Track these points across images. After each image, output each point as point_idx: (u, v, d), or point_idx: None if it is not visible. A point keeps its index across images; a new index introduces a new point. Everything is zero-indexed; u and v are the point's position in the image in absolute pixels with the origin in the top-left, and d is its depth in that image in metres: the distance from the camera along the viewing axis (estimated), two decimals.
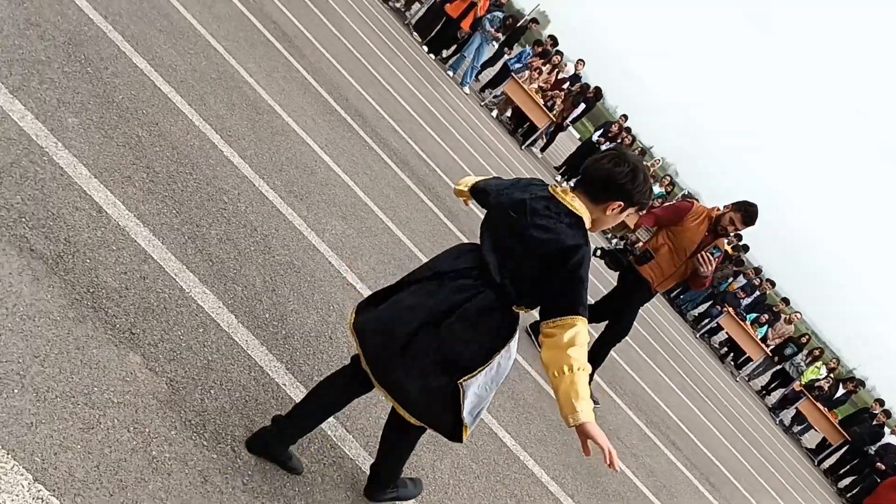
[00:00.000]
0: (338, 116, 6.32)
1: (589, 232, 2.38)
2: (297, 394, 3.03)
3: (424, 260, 4.71)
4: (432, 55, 14.21)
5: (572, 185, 2.59)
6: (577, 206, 2.34)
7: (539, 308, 2.33)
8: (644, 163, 2.80)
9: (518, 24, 14.83)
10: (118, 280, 2.72)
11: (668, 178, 17.36)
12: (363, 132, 6.55)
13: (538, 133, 15.17)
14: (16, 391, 2.05)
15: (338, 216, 4.72)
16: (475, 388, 2.37)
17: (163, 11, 4.95)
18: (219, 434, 2.55)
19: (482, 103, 15.53)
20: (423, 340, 2.32)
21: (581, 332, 2.20)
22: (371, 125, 6.94)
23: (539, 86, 14.70)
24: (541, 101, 14.35)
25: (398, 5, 15.40)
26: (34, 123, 2.98)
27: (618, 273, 5.74)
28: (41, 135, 2.97)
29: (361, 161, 5.93)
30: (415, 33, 14.37)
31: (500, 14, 13.97)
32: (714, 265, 5.31)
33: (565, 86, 15.41)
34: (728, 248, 15.17)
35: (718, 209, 5.53)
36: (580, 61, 16.19)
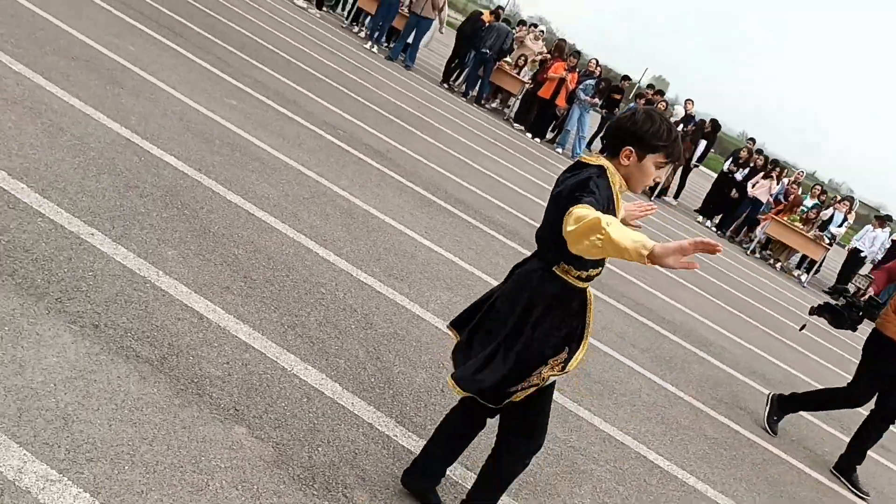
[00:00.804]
0: (437, 207, 6.62)
1: (627, 187, 2.41)
2: (412, 443, 3.13)
3: None
4: (538, 139, 14.55)
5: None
6: (597, 160, 2.40)
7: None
8: (664, 114, 2.75)
9: (612, 85, 14.96)
10: (221, 369, 2.99)
11: (819, 187, 16.40)
12: (465, 215, 6.79)
13: (663, 181, 14.93)
14: (126, 467, 2.30)
15: (442, 288, 4.89)
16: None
17: (254, 156, 5.51)
18: (329, 484, 2.68)
19: None
20: None
21: (580, 208, 2.13)
22: (474, 208, 7.18)
23: None
24: None
25: (495, 105, 16.02)
26: (136, 260, 3.41)
27: (862, 351, 5.09)
28: (143, 268, 3.38)
29: (465, 239, 6.13)
30: (516, 125, 14.82)
31: (591, 82, 14.19)
32: None
33: (679, 128, 15.19)
34: None
35: None
36: (689, 101, 15.98)
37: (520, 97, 15.18)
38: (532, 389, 2.47)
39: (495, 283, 5.35)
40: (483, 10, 15.99)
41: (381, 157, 7.31)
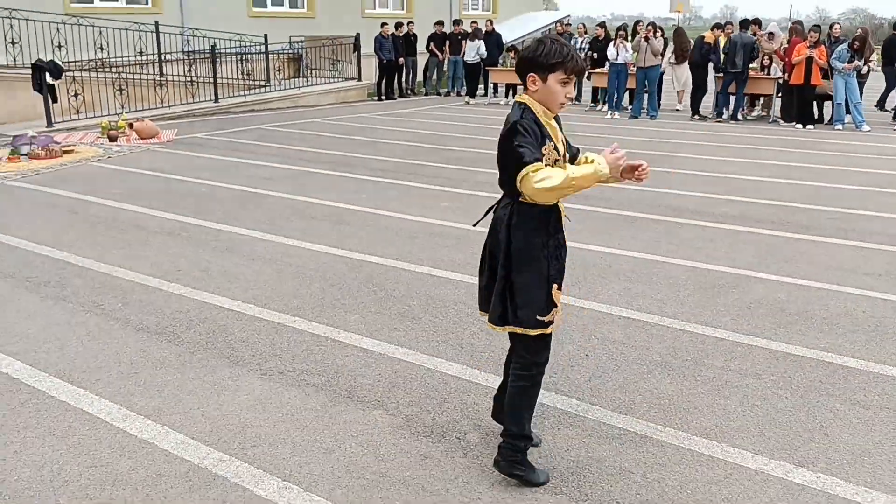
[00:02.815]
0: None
1: (548, 111, 2.82)
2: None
3: None
4: (810, 126, 13.68)
5: None
6: (518, 97, 2.89)
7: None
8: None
9: (860, 37, 13.66)
10: (371, 379, 3.86)
11: None
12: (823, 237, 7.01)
13: None
14: (280, 446, 3.25)
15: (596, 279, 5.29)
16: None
17: (452, 236, 6.51)
18: (445, 434, 3.35)
19: None
20: None
21: (535, 171, 2.63)
22: (846, 228, 7.34)
23: None
24: None
25: (755, 113, 15.41)
26: (323, 328, 4.51)
27: None
28: (327, 331, 4.46)
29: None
30: (783, 122, 14.13)
31: (842, 47, 13.19)
32: None
33: None
34: None
35: None
36: None
37: (776, 96, 14.54)
38: (557, 310, 2.90)
39: None
40: (704, 33, 15.83)
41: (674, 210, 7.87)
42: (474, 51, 17.80)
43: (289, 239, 6.36)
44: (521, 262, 2.84)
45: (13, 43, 13.29)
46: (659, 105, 15.59)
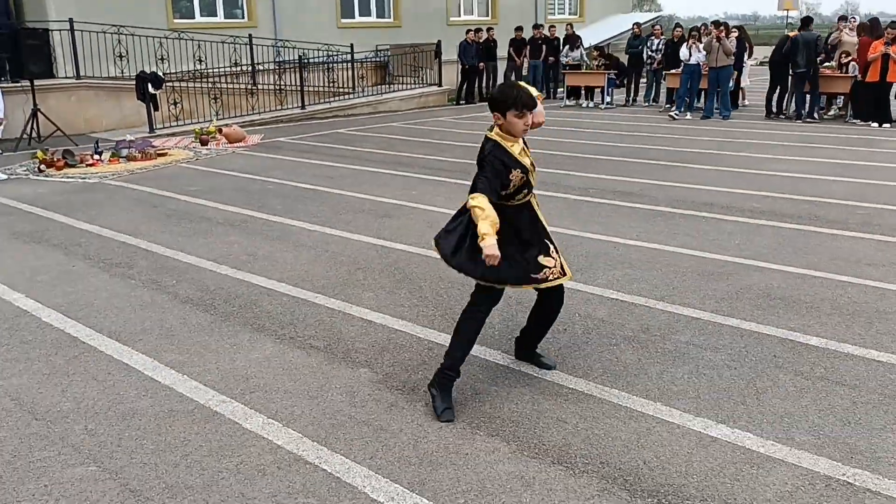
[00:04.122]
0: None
1: (512, 137, 3.54)
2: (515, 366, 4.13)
3: None
4: (886, 125, 13.36)
5: None
6: (491, 133, 3.59)
7: None
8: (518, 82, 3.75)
9: None
10: (367, 344, 4.43)
11: None
12: None
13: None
14: (277, 396, 3.87)
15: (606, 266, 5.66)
16: None
17: None
18: (417, 387, 3.88)
19: None
20: None
21: (477, 200, 3.35)
22: None
23: None
24: None
25: (833, 112, 15.12)
26: (337, 302, 5.11)
27: None
28: (344, 307, 5.06)
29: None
30: (858, 122, 13.85)
31: None
32: None
33: None
34: None
35: None
36: None
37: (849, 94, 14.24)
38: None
39: None
40: (789, 34, 15.62)
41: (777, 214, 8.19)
42: (572, 57, 18.35)
43: (332, 229, 7.02)
44: None
45: (121, 56, 14.64)
46: (735, 105, 15.52)
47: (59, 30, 14.00)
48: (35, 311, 5.06)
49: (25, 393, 3.89)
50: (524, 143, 3.64)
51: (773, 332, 4.49)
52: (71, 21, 13.92)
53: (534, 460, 3.22)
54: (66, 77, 14.44)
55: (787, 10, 42.51)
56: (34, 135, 12.53)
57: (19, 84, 12.93)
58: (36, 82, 12.56)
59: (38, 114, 12.46)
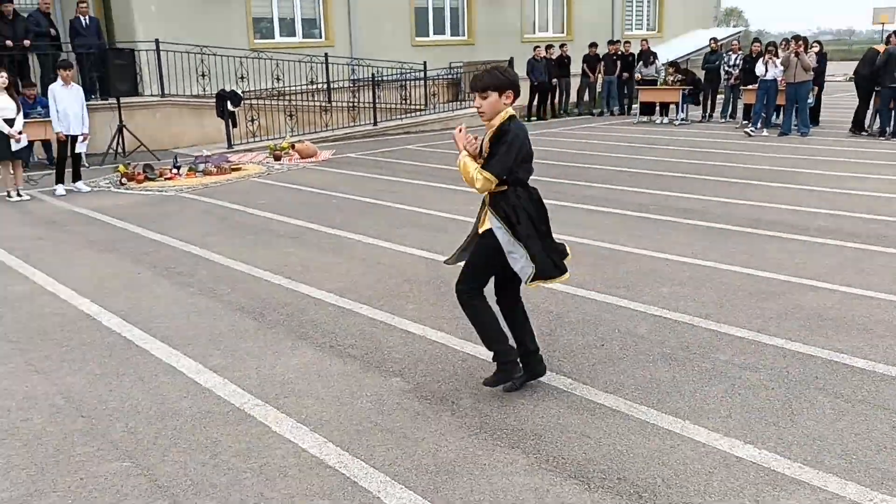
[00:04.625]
0: None
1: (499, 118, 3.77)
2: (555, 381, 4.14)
3: None
4: None
5: None
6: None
7: None
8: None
9: None
10: (401, 353, 4.51)
11: None
12: None
13: None
14: (309, 402, 3.98)
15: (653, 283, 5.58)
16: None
17: None
18: (444, 398, 3.93)
19: None
20: None
21: (477, 176, 3.83)
22: None
23: None
24: None
25: None
26: (383, 314, 5.22)
27: None
28: (386, 318, 5.16)
29: None
30: None
31: None
32: None
33: None
34: None
35: None
36: None
37: None
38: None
39: None
40: (875, 47, 15.06)
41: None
42: (646, 73, 18.17)
43: (387, 242, 7.15)
44: None
45: (203, 75, 15.26)
46: (815, 121, 15.03)
47: (146, 50, 14.70)
48: (97, 315, 5.33)
49: (76, 391, 4.12)
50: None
51: (817, 353, 4.34)
52: (157, 42, 14.60)
53: (550, 473, 3.22)
54: (152, 95, 15.14)
55: (883, 22, 40.79)
56: (119, 150, 13.17)
57: (107, 102, 13.63)
58: (122, 100, 13.22)
59: (124, 130, 13.10)
